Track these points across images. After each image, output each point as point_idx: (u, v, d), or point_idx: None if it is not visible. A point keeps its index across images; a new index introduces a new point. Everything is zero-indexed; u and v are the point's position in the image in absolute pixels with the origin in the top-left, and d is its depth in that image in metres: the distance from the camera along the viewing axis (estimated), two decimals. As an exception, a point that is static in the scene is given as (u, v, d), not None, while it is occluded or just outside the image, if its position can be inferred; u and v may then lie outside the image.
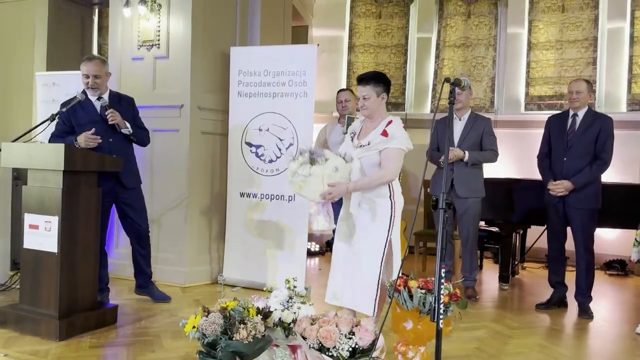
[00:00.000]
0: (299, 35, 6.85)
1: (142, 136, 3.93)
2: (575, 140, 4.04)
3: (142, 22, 4.61)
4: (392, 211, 2.91)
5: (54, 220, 3.12)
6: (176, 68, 4.54)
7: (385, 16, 7.06)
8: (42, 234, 3.17)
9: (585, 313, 4.04)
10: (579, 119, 4.08)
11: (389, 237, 2.90)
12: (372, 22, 7.10)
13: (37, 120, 4.61)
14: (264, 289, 3.08)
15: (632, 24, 6.08)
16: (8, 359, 2.80)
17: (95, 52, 6.66)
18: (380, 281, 2.85)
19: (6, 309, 3.30)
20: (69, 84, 5.02)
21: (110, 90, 3.83)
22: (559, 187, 4.02)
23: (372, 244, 2.90)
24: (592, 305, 4.11)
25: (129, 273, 4.64)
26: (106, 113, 3.62)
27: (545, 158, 4.25)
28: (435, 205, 1.90)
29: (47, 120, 3.48)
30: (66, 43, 5.99)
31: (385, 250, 2.89)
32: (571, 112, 4.14)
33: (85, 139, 3.47)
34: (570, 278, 4.29)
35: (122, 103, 3.83)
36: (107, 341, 3.14)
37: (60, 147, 3.07)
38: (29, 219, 3.22)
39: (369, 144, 2.92)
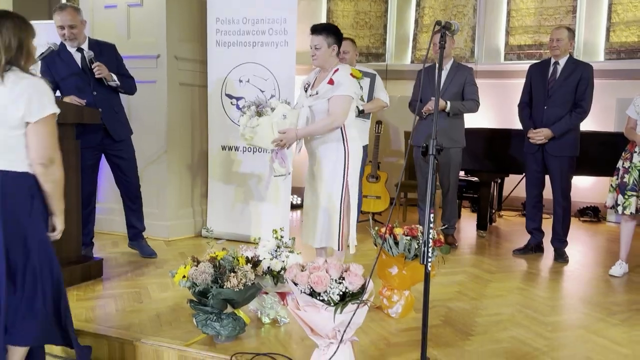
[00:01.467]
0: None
1: (129, 86, 3.80)
2: (556, 89, 4.07)
3: (113, -33, 4.40)
4: (345, 156, 3.07)
5: (33, 174, 3.04)
6: (151, 16, 4.37)
7: (365, -37, 6.86)
8: None
9: (561, 257, 4.19)
10: (560, 67, 4.10)
11: (345, 181, 3.08)
12: (351, -31, 6.90)
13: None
14: (251, 239, 3.11)
15: (613, -28, 6.04)
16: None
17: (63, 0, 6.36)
18: (342, 220, 3.09)
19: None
20: (39, 35, 4.79)
21: (88, 38, 3.68)
22: (539, 135, 4.07)
23: (330, 188, 3.10)
24: (567, 250, 4.26)
25: (113, 227, 4.64)
26: (92, 67, 3.48)
27: (526, 107, 4.28)
28: (425, 152, 1.91)
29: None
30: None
31: (343, 193, 3.08)
32: (552, 60, 4.15)
33: (71, 101, 3.36)
34: (546, 225, 4.42)
35: (104, 52, 3.67)
36: (95, 294, 3.14)
37: (36, 98, 2.95)
38: (6, 173, 3.13)
39: (316, 93, 3.07)
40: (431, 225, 1.92)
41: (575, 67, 4.06)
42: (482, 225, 5.16)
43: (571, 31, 4.14)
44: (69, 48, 3.57)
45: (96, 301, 3.02)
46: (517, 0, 6.44)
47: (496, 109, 6.25)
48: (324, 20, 6.99)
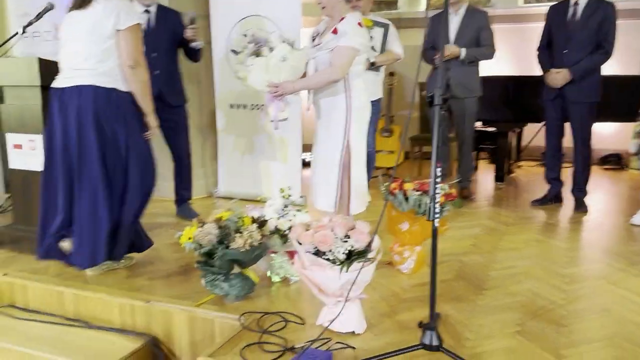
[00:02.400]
0: None
1: (196, 53, 3.74)
2: (577, 31, 3.85)
3: None
4: (347, 111, 2.85)
5: (37, 139, 3.02)
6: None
7: None
8: (27, 153, 3.08)
9: (581, 207, 4.07)
10: (580, 8, 3.86)
11: (345, 138, 2.85)
12: None
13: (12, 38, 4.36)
14: (257, 198, 3.05)
15: None
16: (8, 278, 2.82)
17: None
18: (340, 181, 2.88)
19: (2, 229, 3.29)
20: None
21: (158, 4, 3.62)
22: (558, 76, 3.88)
23: (330, 145, 2.90)
24: (587, 199, 4.13)
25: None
26: (191, 27, 3.44)
27: (545, 50, 4.08)
28: (431, 102, 1.80)
29: (16, 33, 3.26)
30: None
31: (343, 151, 2.86)
32: (572, 1, 3.91)
33: None
34: (566, 174, 4.29)
35: (168, 18, 3.60)
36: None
37: (34, 60, 2.90)
38: (11, 138, 3.12)
39: (320, 44, 2.86)
40: (438, 179, 1.83)
41: (597, 7, 3.82)
42: (499, 177, 5.05)
43: None
44: (137, 7, 3.47)
45: (108, 262, 3.01)
46: (536, -62, 6.07)
47: (514, 56, 6.00)
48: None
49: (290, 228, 2.55)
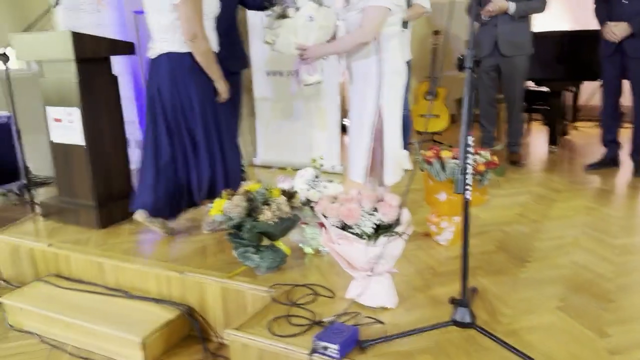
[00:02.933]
0: None
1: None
2: (638, -22, 3.50)
3: None
4: (378, 75, 2.66)
5: (76, 112, 3.06)
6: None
7: None
8: (67, 126, 3.13)
9: None
10: (642, -46, 3.50)
11: (377, 105, 2.67)
12: None
13: (56, 11, 4.42)
14: (287, 169, 2.96)
15: None
16: (52, 249, 2.92)
17: None
18: (370, 149, 2.71)
19: (48, 201, 3.40)
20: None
21: None
22: (616, 29, 3.56)
23: (361, 112, 2.73)
24: (648, 163, 3.84)
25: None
26: None
27: (602, 2, 3.74)
28: (461, 65, 1.65)
29: (50, 6, 3.29)
30: None
31: (375, 118, 2.68)
32: (633, -54, 3.55)
33: None
34: (625, 136, 3.99)
35: None
36: (146, 227, 3.20)
37: (67, 34, 2.91)
38: (51, 112, 3.18)
39: (348, 4, 2.69)
40: (470, 149, 1.70)
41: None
42: (553, 140, 4.75)
43: None
44: None
45: (147, 235, 3.07)
46: None
47: (570, 8, 5.57)
48: None
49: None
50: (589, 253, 2.54)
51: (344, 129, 4.36)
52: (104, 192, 3.20)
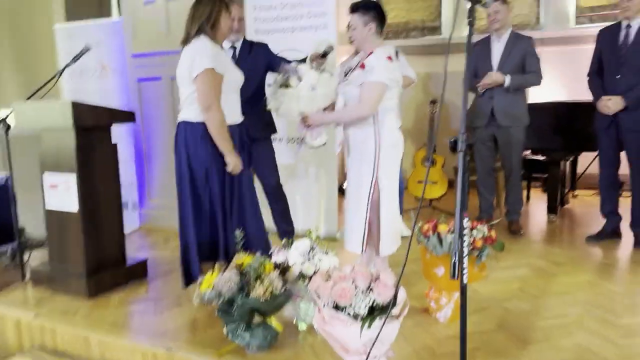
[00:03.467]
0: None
1: None
2: (630, 54, 3.58)
3: (150, -38, 4.34)
4: (376, 149, 2.75)
5: (72, 178, 3.06)
6: (188, 9, 4.26)
7: None
8: (62, 193, 3.12)
9: (641, 244, 3.74)
10: (633, 30, 3.60)
11: (374, 177, 2.76)
12: (401, -61, 6.49)
13: (62, 75, 4.52)
14: (284, 242, 2.92)
15: None
16: (39, 320, 2.83)
17: (114, -1, 6.44)
18: (367, 222, 2.79)
19: (39, 267, 3.34)
20: (88, 35, 4.88)
21: (244, 37, 3.60)
22: (610, 103, 3.61)
23: (358, 184, 2.82)
24: (649, 235, 3.79)
25: (162, 223, 4.67)
26: (320, 60, 3.08)
27: (596, 77, 3.82)
28: (454, 148, 1.65)
29: (56, 75, 3.36)
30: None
31: (372, 190, 2.76)
32: (624, 23, 3.65)
33: None
34: (624, 207, 3.96)
35: (253, 50, 3.52)
36: (136, 297, 3.13)
37: (68, 103, 2.95)
38: (47, 178, 3.18)
39: (347, 79, 2.79)
40: (465, 231, 1.66)
41: (652, 29, 3.55)
42: (552, 208, 4.72)
43: None
44: (224, 45, 3.34)
45: (137, 305, 2.99)
46: (588, -44, 5.79)
47: (565, 80, 5.69)
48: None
49: (315, 273, 2.43)
50: (593, 334, 2.45)
51: (342, 192, 4.33)
52: (95, 259, 3.14)
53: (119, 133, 4.83)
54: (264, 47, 3.57)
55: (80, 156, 3.04)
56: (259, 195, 3.12)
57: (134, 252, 3.98)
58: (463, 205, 1.62)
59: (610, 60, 3.69)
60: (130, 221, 4.79)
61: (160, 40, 4.38)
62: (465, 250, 1.66)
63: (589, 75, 3.91)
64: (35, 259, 3.71)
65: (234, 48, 3.51)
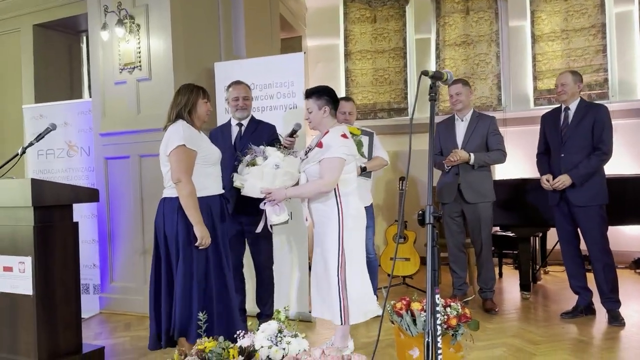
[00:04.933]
0: (293, 47, 6.63)
1: None
2: (570, 135, 3.79)
3: (122, 45, 4.42)
4: (339, 219, 2.89)
5: (28, 261, 2.90)
6: (160, 89, 4.32)
7: (381, 20, 6.81)
8: (17, 276, 2.94)
9: (615, 320, 3.70)
10: (571, 113, 3.85)
11: (340, 246, 2.87)
12: (367, 27, 6.86)
13: (27, 154, 4.44)
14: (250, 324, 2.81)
15: (641, 6, 5.75)
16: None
17: (85, 80, 6.52)
18: (341, 290, 2.86)
19: (-17, 359, 3.08)
20: (56, 115, 4.88)
21: (252, 116, 3.69)
22: (558, 183, 3.74)
23: (326, 254, 2.92)
24: (622, 310, 3.76)
25: (124, 308, 4.45)
26: (289, 139, 3.34)
27: (543, 156, 4.04)
28: (422, 220, 1.62)
29: (17, 154, 3.28)
30: (54, 73, 5.85)
31: (340, 259, 2.86)
32: (563, 106, 3.89)
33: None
34: (593, 282, 3.95)
35: (259, 129, 3.60)
36: (91, 388, 2.89)
37: (27, 182, 2.85)
38: (1, 260, 3.01)
39: (307, 157, 2.98)
40: (437, 308, 1.60)
41: (588, 110, 3.78)
42: (524, 286, 4.68)
43: (577, 74, 3.87)
44: (232, 122, 3.64)
45: (91, 398, 2.76)
46: (541, 44, 6.19)
47: (529, 157, 5.84)
48: (342, 80, 6.91)
49: (284, 357, 2.30)
50: (575, 417, 2.34)
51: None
52: (49, 347, 2.92)
53: (83, 212, 4.72)
54: (270, 127, 3.67)
55: (39, 236, 2.90)
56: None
57: (92, 338, 3.75)
58: (434, 280, 1.56)
59: (554, 141, 3.90)
60: (91, 305, 4.56)
61: (130, 120, 4.38)
62: (439, 330, 1.59)
63: (537, 155, 4.11)
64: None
65: (241, 125, 3.60)
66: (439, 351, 1.57)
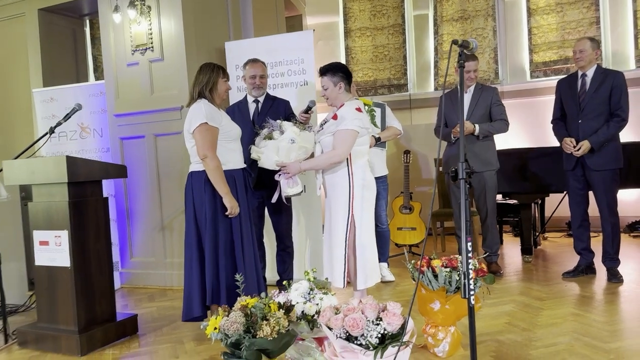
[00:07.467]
0: (294, 25, 6.74)
1: None
2: (588, 101, 3.90)
3: (133, 27, 4.52)
4: (350, 188, 3.05)
5: (64, 235, 3.06)
6: (172, 69, 4.45)
7: (379, -3, 6.92)
8: (53, 249, 3.10)
9: (614, 277, 3.93)
10: (588, 79, 3.95)
11: (350, 216, 3.04)
12: (366, 5, 6.96)
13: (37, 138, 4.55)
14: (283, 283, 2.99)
15: (634, -22, 5.90)
16: (31, 379, 2.75)
17: (90, 64, 6.58)
18: (347, 257, 3.04)
19: (25, 328, 3.25)
20: (67, 98, 4.97)
21: (267, 93, 3.82)
22: (580, 150, 3.88)
23: (336, 222, 3.09)
24: (620, 268, 3.99)
25: (145, 282, 4.62)
26: (305, 114, 3.48)
27: (559, 122, 4.13)
28: (455, 176, 1.80)
29: (47, 133, 3.41)
30: (60, 57, 5.91)
31: (348, 227, 3.03)
32: (580, 73, 4.00)
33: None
34: (595, 244, 4.18)
35: (274, 104, 3.75)
36: (130, 351, 3.07)
37: (62, 159, 2.99)
38: (38, 235, 3.16)
39: (322, 129, 3.13)
40: (470, 254, 1.79)
41: (605, 77, 3.89)
42: (526, 250, 4.91)
43: (595, 41, 3.98)
44: (248, 99, 3.77)
45: (132, 359, 2.94)
46: (537, 18, 6.34)
47: (527, 128, 6.08)
48: (342, 57, 7.03)
49: (317, 313, 2.48)
50: (586, 359, 2.56)
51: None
52: (86, 316, 3.10)
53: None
54: (284, 102, 3.82)
55: (74, 211, 3.06)
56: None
57: (119, 309, 3.91)
58: (467, 229, 1.74)
59: (571, 108, 4.01)
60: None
61: (144, 100, 4.50)
62: (471, 272, 1.77)
63: (552, 122, 4.21)
64: (14, 324, 3.57)
65: (257, 102, 3.74)
66: (472, 292, 1.75)
